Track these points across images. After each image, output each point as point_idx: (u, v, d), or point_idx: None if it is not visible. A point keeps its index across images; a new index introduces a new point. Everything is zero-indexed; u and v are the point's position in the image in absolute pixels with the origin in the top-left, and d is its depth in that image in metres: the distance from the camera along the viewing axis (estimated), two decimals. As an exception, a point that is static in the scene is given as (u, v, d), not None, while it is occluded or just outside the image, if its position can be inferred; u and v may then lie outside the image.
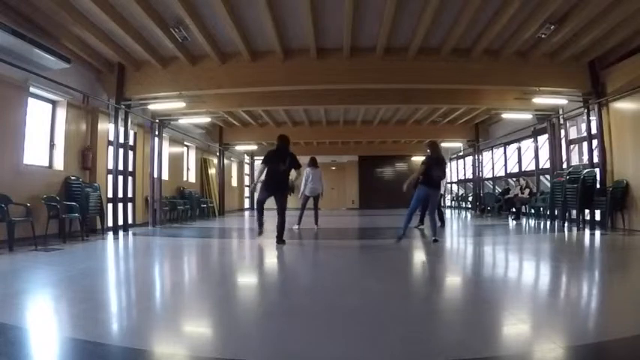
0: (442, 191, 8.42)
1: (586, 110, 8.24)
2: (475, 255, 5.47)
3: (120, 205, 8.23)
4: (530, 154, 11.46)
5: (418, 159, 19.80)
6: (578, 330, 2.22)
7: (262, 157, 6.05)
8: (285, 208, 6.00)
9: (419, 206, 5.89)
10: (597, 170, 7.88)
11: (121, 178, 8.20)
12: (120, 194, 8.17)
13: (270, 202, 5.99)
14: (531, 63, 7.72)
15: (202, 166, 13.93)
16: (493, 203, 12.51)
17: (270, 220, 6.24)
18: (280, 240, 5.91)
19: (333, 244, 6.69)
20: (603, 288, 3.37)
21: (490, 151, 14.47)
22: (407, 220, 5.95)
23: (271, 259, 5.21)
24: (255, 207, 6.31)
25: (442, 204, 16.29)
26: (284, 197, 5.97)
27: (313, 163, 8.77)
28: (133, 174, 9.15)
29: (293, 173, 6.12)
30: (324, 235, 7.71)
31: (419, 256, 5.33)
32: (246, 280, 4.06)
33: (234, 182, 18.43)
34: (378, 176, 20.49)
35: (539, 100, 8.65)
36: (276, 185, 5.89)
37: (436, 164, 5.98)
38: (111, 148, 8.26)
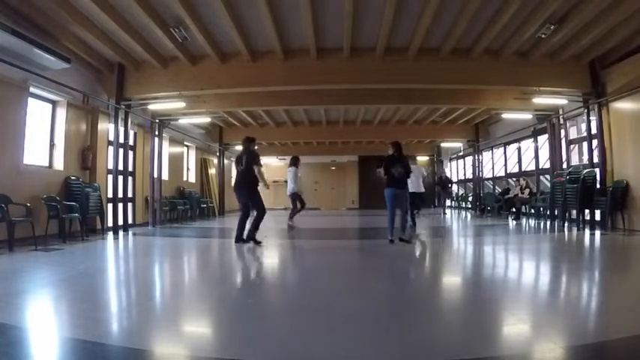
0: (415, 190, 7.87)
1: (586, 110, 8.24)
2: (475, 255, 5.47)
3: (120, 205, 8.22)
4: (530, 154, 11.45)
5: (418, 159, 19.76)
6: (578, 330, 2.22)
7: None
8: (258, 205, 5.91)
9: (393, 207, 5.94)
10: (597, 170, 7.87)
11: (121, 178, 8.20)
12: (120, 194, 8.17)
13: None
14: (531, 63, 7.72)
15: (202, 166, 13.93)
16: (493, 203, 12.51)
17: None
18: (248, 238, 5.84)
19: (329, 245, 6.70)
20: (603, 288, 3.37)
21: (490, 151, 14.46)
22: (389, 223, 5.96)
23: (271, 260, 5.21)
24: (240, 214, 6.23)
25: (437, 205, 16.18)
26: (253, 195, 5.94)
27: (292, 162, 8.65)
28: (133, 174, 9.15)
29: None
30: (322, 235, 7.71)
31: (418, 256, 5.33)
32: (246, 280, 4.06)
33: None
34: (379, 176, 20.41)
35: (539, 100, 8.65)
36: (240, 184, 5.98)
37: (396, 162, 5.97)
38: (111, 148, 8.26)
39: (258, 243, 5.81)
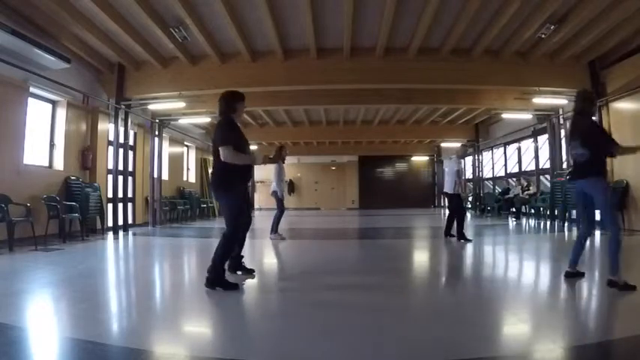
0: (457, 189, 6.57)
1: (586, 110, 8.23)
2: (475, 255, 5.46)
3: (120, 205, 8.23)
4: (530, 154, 11.46)
5: (418, 159, 19.83)
6: (578, 330, 2.22)
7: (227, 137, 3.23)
8: (228, 218, 3.36)
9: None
10: (597, 170, 7.86)
11: (121, 178, 8.21)
12: (120, 194, 8.18)
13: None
14: (531, 63, 7.72)
15: (202, 166, 13.93)
16: (493, 203, 12.51)
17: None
18: (213, 283, 3.17)
19: (332, 244, 6.69)
20: (603, 288, 3.36)
21: (490, 151, 14.47)
22: (579, 249, 3.48)
23: (270, 259, 5.21)
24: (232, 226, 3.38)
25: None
26: (223, 199, 3.38)
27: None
28: (133, 174, 9.15)
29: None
30: (320, 235, 7.70)
31: (419, 254, 5.33)
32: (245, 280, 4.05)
33: (234, 182, 18.38)
34: (378, 176, 20.48)
35: (539, 100, 8.65)
36: (211, 182, 3.65)
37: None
38: (111, 148, 8.26)
39: (250, 272, 3.84)
